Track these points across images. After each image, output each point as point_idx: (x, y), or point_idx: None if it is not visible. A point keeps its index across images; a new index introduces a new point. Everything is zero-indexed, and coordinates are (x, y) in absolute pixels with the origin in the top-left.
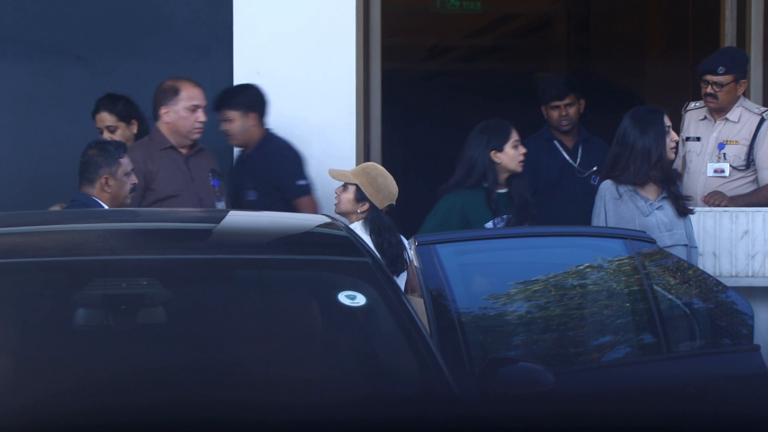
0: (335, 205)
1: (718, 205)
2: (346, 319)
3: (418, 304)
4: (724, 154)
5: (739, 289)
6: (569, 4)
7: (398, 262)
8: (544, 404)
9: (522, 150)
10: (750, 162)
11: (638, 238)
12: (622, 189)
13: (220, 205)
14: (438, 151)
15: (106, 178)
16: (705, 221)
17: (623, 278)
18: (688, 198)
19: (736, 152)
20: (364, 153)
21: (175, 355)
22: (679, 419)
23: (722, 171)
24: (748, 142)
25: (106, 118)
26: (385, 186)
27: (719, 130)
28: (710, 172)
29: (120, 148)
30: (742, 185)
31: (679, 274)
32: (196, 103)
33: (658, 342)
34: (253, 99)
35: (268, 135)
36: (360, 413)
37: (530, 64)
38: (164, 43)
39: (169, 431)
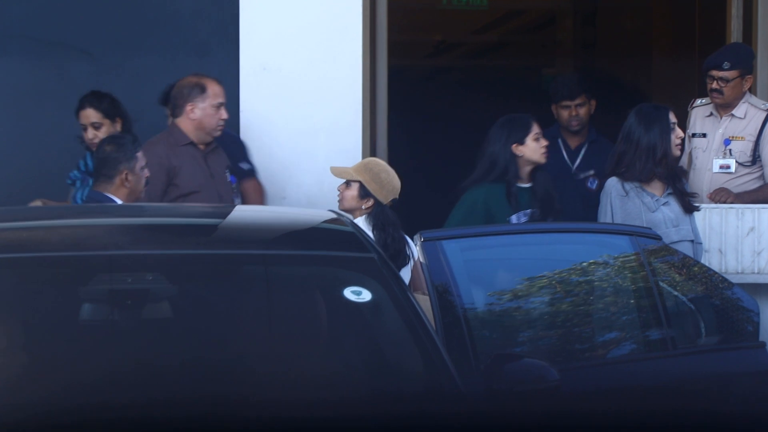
0: (338, 202)
1: (724, 202)
2: (351, 314)
3: (422, 302)
4: (730, 150)
5: (744, 286)
6: (576, 1)
7: (399, 258)
8: (549, 401)
9: (544, 142)
10: (756, 158)
11: (644, 234)
12: (628, 186)
13: (237, 201)
14: (444, 147)
15: (126, 174)
16: (711, 218)
17: (629, 275)
18: (693, 195)
19: (742, 148)
20: (370, 149)
21: (180, 351)
22: (684, 416)
23: (728, 167)
24: (754, 138)
25: (92, 115)
26: (389, 181)
27: (725, 126)
28: (716, 168)
29: (135, 142)
30: (748, 181)
31: (684, 270)
32: (221, 100)
33: (663, 339)
34: None
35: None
36: (365, 409)
37: (536, 60)
38: (170, 39)
39: (176, 426)
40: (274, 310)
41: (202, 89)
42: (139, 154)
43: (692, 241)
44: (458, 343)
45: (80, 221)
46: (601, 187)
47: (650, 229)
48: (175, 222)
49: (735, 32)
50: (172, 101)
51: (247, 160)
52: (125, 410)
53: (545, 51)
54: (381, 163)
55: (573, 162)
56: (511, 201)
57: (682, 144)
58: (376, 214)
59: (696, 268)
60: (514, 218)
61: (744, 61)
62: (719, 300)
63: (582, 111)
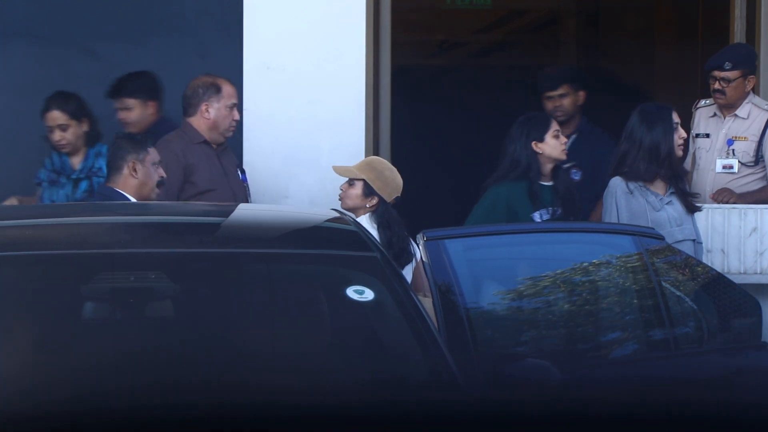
0: (340, 201)
1: (727, 202)
2: (354, 313)
3: (424, 303)
4: (733, 150)
5: (747, 287)
6: (579, 0)
7: (403, 256)
8: (551, 400)
9: (563, 139)
10: (759, 158)
11: (647, 234)
12: (632, 185)
13: (250, 200)
14: (448, 147)
15: (133, 164)
16: (714, 218)
17: (631, 275)
18: (695, 195)
19: (745, 148)
20: (374, 149)
21: (183, 349)
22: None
23: (731, 167)
24: (757, 138)
25: (58, 117)
26: (392, 178)
27: (728, 127)
28: (719, 168)
29: (148, 139)
30: (751, 181)
31: (687, 270)
32: (234, 101)
33: (665, 339)
34: (152, 87)
35: (161, 120)
36: (367, 408)
37: (540, 59)
38: (174, 37)
39: (179, 425)
40: (277, 309)
41: (218, 89)
42: (152, 149)
43: (694, 240)
44: (460, 342)
45: (83, 219)
46: (584, 178)
47: (653, 229)
48: (177, 220)
49: (738, 33)
50: (185, 100)
51: None
52: (128, 409)
53: (548, 50)
54: (384, 162)
55: None
56: (534, 199)
57: (685, 144)
58: (381, 212)
59: (698, 269)
60: (536, 216)
61: (746, 61)
62: (721, 300)
63: (566, 101)
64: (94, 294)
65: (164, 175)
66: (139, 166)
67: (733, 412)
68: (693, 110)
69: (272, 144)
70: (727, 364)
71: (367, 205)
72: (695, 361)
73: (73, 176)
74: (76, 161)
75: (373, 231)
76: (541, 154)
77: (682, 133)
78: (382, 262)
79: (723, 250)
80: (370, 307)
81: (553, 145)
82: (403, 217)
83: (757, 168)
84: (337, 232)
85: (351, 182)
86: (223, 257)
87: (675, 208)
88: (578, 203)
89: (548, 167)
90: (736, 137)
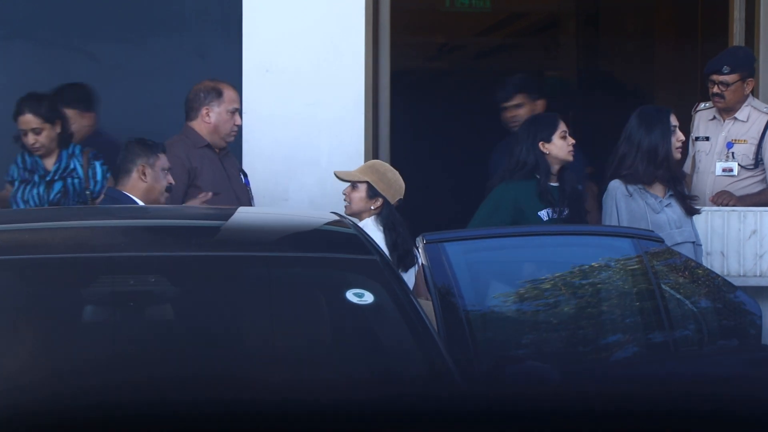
0: (346, 206)
1: (726, 205)
2: (353, 316)
3: (425, 307)
4: (733, 153)
5: (747, 289)
6: (578, 2)
7: (408, 257)
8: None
9: (570, 140)
10: (759, 161)
11: (646, 237)
12: (632, 188)
13: (253, 203)
14: (447, 148)
15: (143, 167)
16: (713, 221)
17: (631, 277)
18: (693, 197)
19: (745, 151)
20: (373, 152)
21: (183, 352)
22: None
23: (731, 170)
24: (756, 141)
25: (31, 121)
26: (395, 180)
27: (728, 130)
28: (719, 171)
29: (160, 144)
30: (750, 184)
31: (687, 273)
32: (236, 106)
33: (665, 342)
34: (89, 98)
35: (96, 132)
36: (367, 410)
37: (539, 62)
38: (173, 38)
39: (178, 428)
40: (276, 312)
41: (219, 94)
42: (162, 155)
43: (694, 242)
44: (460, 344)
45: (83, 223)
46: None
47: (652, 231)
48: (177, 224)
49: (737, 34)
50: (187, 104)
51: None
52: (128, 412)
53: (548, 53)
54: (385, 164)
55: None
56: (544, 198)
57: (684, 147)
58: (386, 214)
59: (698, 271)
60: (544, 214)
61: (744, 64)
62: (721, 303)
63: (522, 111)
64: (95, 297)
65: (173, 182)
66: (148, 171)
67: (732, 414)
68: (693, 113)
69: (272, 145)
70: (727, 367)
71: (372, 207)
72: (694, 364)
73: (47, 178)
74: (49, 163)
75: (379, 233)
76: (548, 154)
77: (680, 135)
78: (381, 264)
79: (722, 253)
80: (370, 310)
81: (560, 146)
82: (403, 219)
83: (756, 171)
84: (337, 235)
85: (354, 186)
86: (223, 260)
87: (674, 211)
88: (584, 204)
89: (555, 168)
90: (735, 140)
